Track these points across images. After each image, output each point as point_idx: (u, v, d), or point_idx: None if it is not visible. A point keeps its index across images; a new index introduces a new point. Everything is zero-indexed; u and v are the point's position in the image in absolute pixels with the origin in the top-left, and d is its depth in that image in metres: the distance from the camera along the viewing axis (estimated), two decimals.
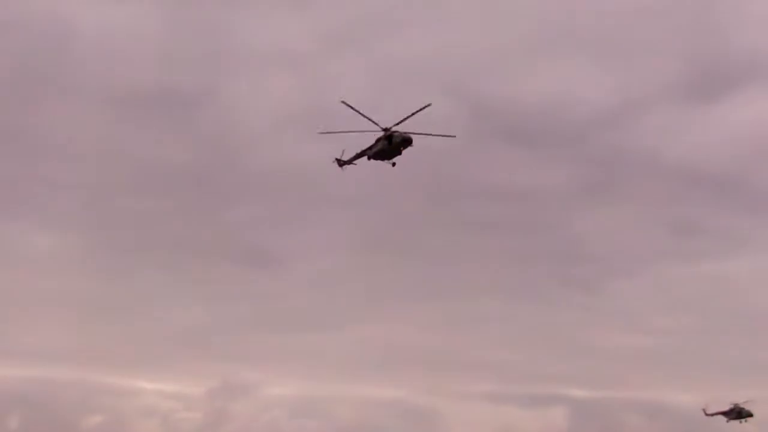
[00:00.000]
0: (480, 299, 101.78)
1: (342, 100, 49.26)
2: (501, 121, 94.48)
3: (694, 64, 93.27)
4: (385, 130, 51.05)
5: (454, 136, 52.52)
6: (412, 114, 49.33)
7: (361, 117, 50.46)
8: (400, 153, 52.04)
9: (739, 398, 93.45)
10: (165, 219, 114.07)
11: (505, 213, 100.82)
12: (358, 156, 55.72)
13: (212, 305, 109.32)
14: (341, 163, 57.77)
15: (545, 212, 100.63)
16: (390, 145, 51.58)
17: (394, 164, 53.26)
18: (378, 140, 52.37)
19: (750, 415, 71.55)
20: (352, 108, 49.29)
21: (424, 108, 49.06)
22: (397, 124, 50.91)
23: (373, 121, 50.28)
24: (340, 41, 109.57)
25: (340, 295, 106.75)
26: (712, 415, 73.72)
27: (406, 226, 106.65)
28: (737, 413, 71.88)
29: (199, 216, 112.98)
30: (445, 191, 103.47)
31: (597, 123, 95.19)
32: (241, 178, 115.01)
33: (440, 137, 51.89)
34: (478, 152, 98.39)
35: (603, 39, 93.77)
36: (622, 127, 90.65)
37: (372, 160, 54.65)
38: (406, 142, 51.27)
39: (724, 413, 73.11)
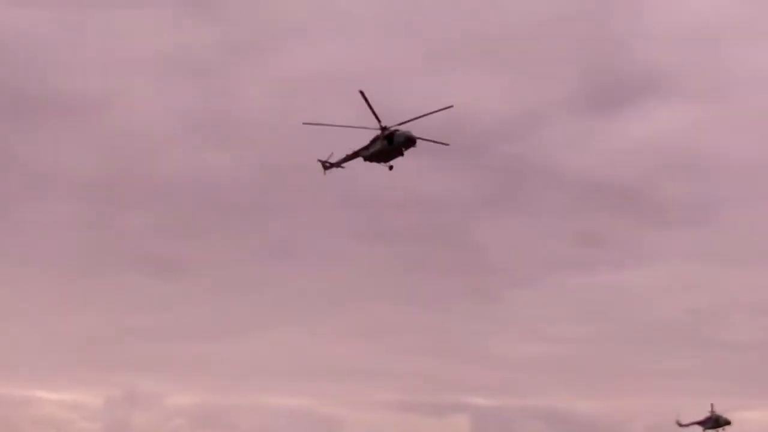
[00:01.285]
0: (383, 308, 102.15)
1: (360, 90, 45.47)
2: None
3: (594, 77, 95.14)
4: (384, 128, 46.86)
5: (448, 144, 50.10)
6: (429, 113, 46.00)
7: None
8: (401, 154, 47.81)
9: (636, 406, 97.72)
10: (63, 226, 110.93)
11: (408, 222, 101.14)
12: (350, 158, 51.36)
13: (112, 313, 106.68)
14: (327, 165, 53.06)
15: (448, 222, 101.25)
16: (390, 146, 47.41)
17: (391, 167, 48.90)
18: (375, 139, 48.43)
19: (728, 422, 69.67)
20: (366, 101, 45.69)
21: (445, 109, 45.70)
22: (400, 124, 46.90)
23: (377, 118, 46.75)
24: (245, 50, 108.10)
25: (243, 303, 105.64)
26: (687, 425, 71.81)
27: (310, 234, 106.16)
28: (714, 422, 69.96)
29: (99, 223, 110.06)
30: (349, 200, 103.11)
31: (499, 134, 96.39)
32: (143, 186, 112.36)
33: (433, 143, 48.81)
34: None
35: (504, 51, 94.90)
36: (524, 138, 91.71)
37: (368, 162, 50.70)
38: (409, 141, 47.07)
39: (700, 423, 71.01)
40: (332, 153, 52.55)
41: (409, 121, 46.21)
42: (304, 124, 48.14)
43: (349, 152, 51.30)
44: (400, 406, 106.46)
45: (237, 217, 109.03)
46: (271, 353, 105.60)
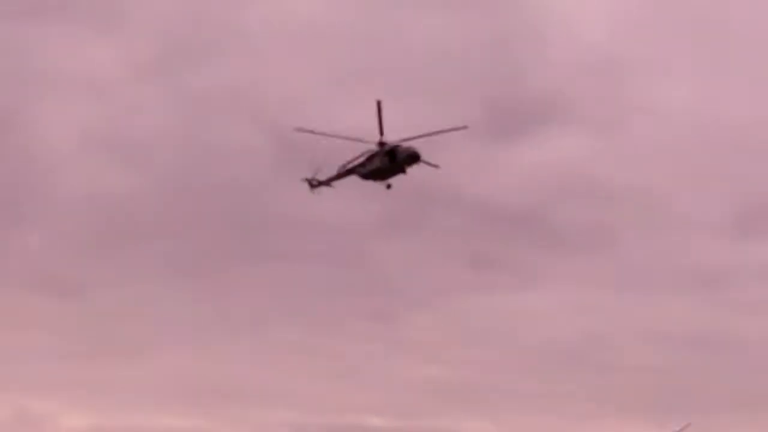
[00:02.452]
0: (282, 330, 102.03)
1: (378, 99, 42.91)
2: (306, 154, 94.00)
3: (494, 104, 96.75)
4: (381, 144, 44.60)
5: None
6: (442, 131, 43.14)
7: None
8: (404, 171, 45.47)
9: (534, 427, 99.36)
10: None
11: (307, 245, 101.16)
12: (342, 175, 47.82)
13: (4, 333, 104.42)
14: (314, 183, 49.38)
15: (346, 243, 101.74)
16: (392, 163, 44.80)
17: (389, 186, 46.77)
18: (373, 156, 45.58)
19: None
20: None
21: (459, 129, 43.17)
22: (405, 140, 44.23)
23: (381, 130, 43.41)
24: (149, 69, 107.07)
25: (140, 324, 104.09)
26: None
27: (211, 256, 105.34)
28: None
29: None
30: (251, 222, 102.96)
31: None
32: (41, 204, 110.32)
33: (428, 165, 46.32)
34: (284, 184, 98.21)
35: (408, 78, 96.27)
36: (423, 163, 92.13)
37: (366, 180, 47.63)
38: (413, 158, 44.64)
39: None
40: (319, 170, 49.34)
41: (411, 138, 43.94)
42: (296, 130, 45.40)
43: (341, 169, 48.00)
44: (296, 428, 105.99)
45: (136, 238, 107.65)
46: (167, 374, 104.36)
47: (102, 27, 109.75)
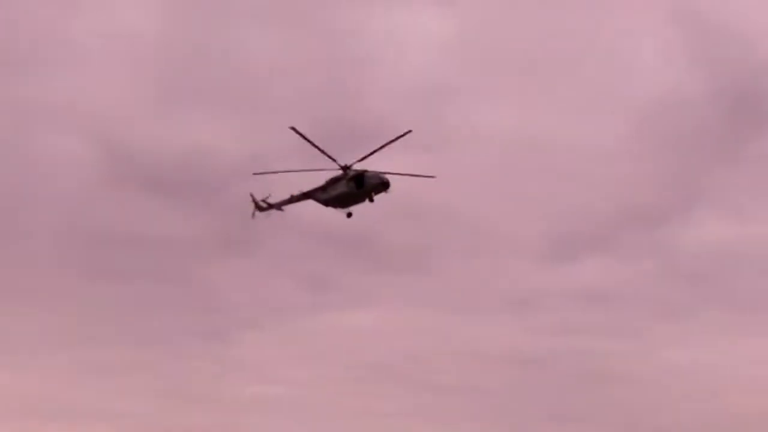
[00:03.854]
0: (109, 348, 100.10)
1: (291, 126, 39.81)
2: (140, 170, 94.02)
3: (324, 126, 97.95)
4: (344, 168, 41.77)
5: (434, 177, 44.99)
6: (390, 142, 40.54)
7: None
8: (371, 200, 42.68)
9: None
10: None
11: (137, 262, 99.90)
12: (297, 199, 44.20)
13: None
14: (263, 207, 45.27)
15: (180, 262, 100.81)
16: (359, 189, 41.98)
17: (350, 215, 43.86)
18: (336, 180, 42.99)
19: None
20: (302, 136, 39.94)
21: (404, 135, 40.62)
22: (360, 160, 41.58)
23: (329, 156, 40.13)
24: None
25: None
26: None
27: (35, 271, 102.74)
28: None
29: None
30: (79, 237, 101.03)
31: (234, 176, 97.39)
32: None
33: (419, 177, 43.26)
34: (115, 200, 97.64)
35: (239, 96, 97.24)
36: (258, 181, 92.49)
37: (327, 207, 44.31)
38: (383, 185, 41.89)
39: None
40: (270, 194, 46.55)
41: (360, 160, 41.49)
42: (254, 174, 43.08)
43: (295, 192, 44.84)
44: None
45: None
46: None
47: None
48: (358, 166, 42.23)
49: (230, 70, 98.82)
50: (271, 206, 46.95)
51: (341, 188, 43.35)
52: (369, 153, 41.41)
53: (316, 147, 41.44)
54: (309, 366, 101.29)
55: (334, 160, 41.60)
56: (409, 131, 41.17)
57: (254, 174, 44.42)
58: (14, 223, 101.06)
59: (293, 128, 40.68)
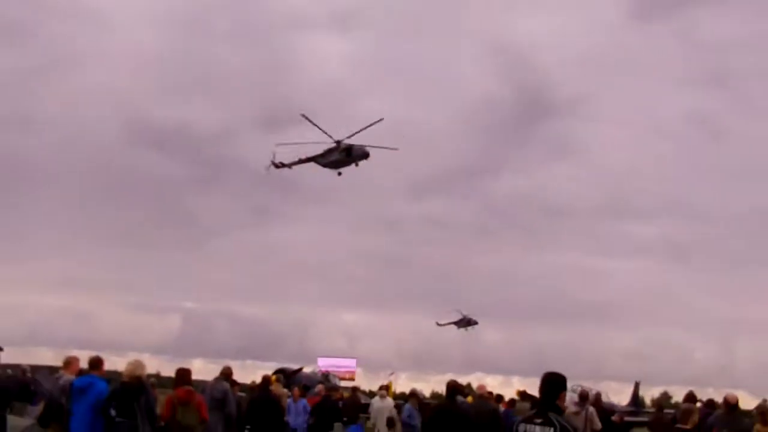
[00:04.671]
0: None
1: (302, 113, 52.37)
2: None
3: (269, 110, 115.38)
4: (338, 142, 53.24)
5: (397, 149, 56.68)
6: (365, 127, 52.01)
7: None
8: (357, 165, 54.56)
9: None
10: None
11: (143, 192, 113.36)
12: (302, 162, 56.65)
13: None
14: (278, 165, 57.30)
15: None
16: (348, 157, 53.82)
17: (340, 173, 55.62)
18: (331, 150, 54.39)
19: (476, 323, 78.46)
20: (310, 121, 52.01)
21: (376, 122, 51.65)
22: (350, 137, 53.23)
23: (327, 133, 53.21)
24: None
25: None
26: (444, 325, 79.28)
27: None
28: (467, 322, 78.39)
29: None
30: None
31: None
32: None
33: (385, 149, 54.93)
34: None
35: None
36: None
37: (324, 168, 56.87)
38: (365, 156, 53.89)
39: (455, 323, 78.86)
40: (275, 153, 56.66)
41: (349, 137, 53.02)
42: (277, 145, 55.67)
43: (302, 157, 56.06)
44: None
45: None
46: None
47: None
48: (346, 142, 54.33)
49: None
50: (284, 165, 57.09)
51: (335, 156, 54.43)
52: (353, 133, 52.99)
53: (319, 128, 52.86)
54: (255, 263, 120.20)
55: (330, 137, 53.51)
56: (381, 119, 52.46)
57: (277, 145, 56.69)
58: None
59: (303, 115, 52.39)
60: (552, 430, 6.07)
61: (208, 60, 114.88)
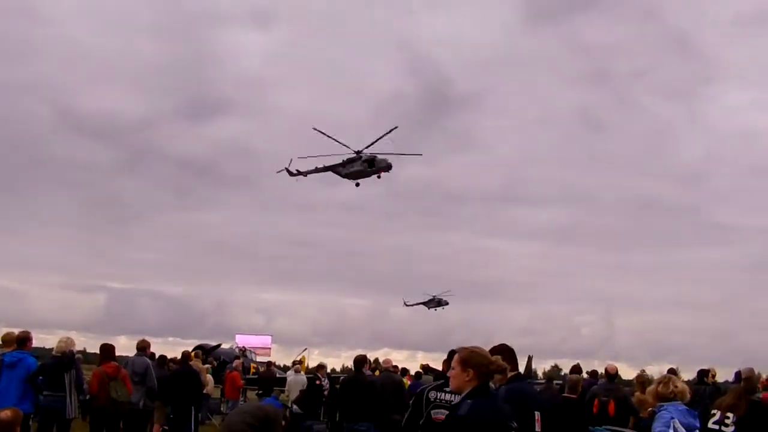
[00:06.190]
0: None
1: (314, 126, 50.39)
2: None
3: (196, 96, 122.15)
4: (358, 152, 51.85)
5: (421, 154, 58.04)
6: (381, 137, 50.80)
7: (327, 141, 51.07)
8: (379, 177, 53.72)
9: None
10: None
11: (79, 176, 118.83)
12: (320, 170, 54.66)
13: None
14: (293, 173, 55.30)
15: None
16: (370, 168, 52.52)
17: (357, 184, 54.66)
18: (352, 161, 53.07)
19: (447, 303, 76.63)
20: (323, 134, 50.11)
21: (391, 131, 50.22)
22: (368, 147, 51.95)
23: (345, 145, 51.68)
24: None
25: None
26: (412, 305, 77.09)
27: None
28: (437, 303, 76.54)
29: None
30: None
31: None
32: None
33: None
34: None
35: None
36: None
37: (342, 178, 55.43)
38: (388, 167, 52.76)
39: (424, 303, 76.46)
40: (291, 160, 54.41)
41: (368, 147, 51.63)
42: (314, 129, 51.24)
43: (319, 166, 54.07)
44: None
45: None
46: None
47: None
48: (367, 152, 52.79)
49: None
50: (300, 173, 54.74)
51: (358, 167, 52.98)
52: (370, 143, 51.49)
53: (334, 139, 51.14)
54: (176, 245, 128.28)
55: (348, 147, 51.99)
56: (396, 127, 50.61)
57: (299, 158, 53.61)
58: None
59: (315, 128, 50.29)
60: (459, 397, 6.48)
61: (132, 52, 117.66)
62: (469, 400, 5.35)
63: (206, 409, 22.76)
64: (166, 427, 16.83)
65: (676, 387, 7.70)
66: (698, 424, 7.56)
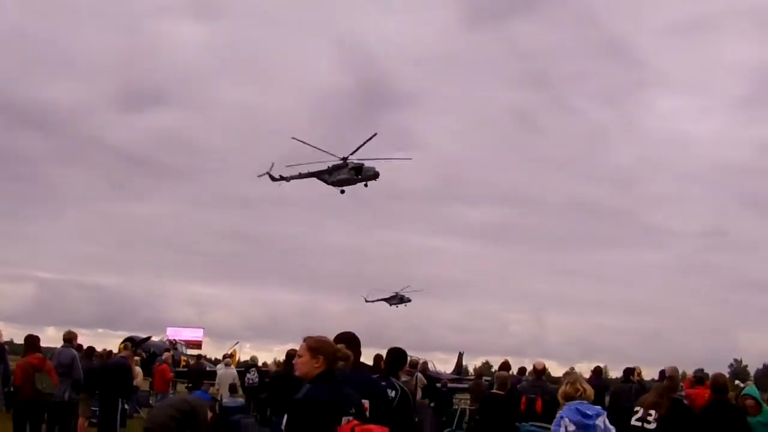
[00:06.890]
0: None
1: (293, 136, 49.64)
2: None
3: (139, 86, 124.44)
4: (343, 159, 50.89)
5: (410, 158, 57.90)
6: (364, 143, 49.88)
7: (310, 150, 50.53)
8: (366, 185, 52.24)
9: None
10: None
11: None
12: (303, 176, 53.60)
13: None
14: (275, 178, 54.03)
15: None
16: (357, 176, 51.48)
17: (343, 191, 53.10)
18: (339, 168, 51.89)
19: (409, 300, 74.20)
20: (304, 142, 49.41)
21: (372, 138, 49.44)
22: (352, 153, 50.93)
23: (329, 152, 50.87)
24: None
25: None
26: (374, 301, 74.30)
27: None
28: (399, 299, 73.95)
29: None
30: None
31: None
32: None
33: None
34: None
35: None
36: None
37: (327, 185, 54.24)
38: (375, 176, 51.73)
39: (386, 300, 73.85)
40: (273, 164, 53.15)
41: (352, 153, 50.71)
42: (292, 138, 50.07)
43: (303, 171, 52.82)
44: None
45: None
46: None
47: None
48: (353, 159, 52.05)
49: None
50: (282, 178, 53.56)
51: (344, 174, 52.05)
52: (355, 149, 50.61)
53: (317, 148, 50.34)
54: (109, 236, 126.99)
55: (333, 155, 51.11)
56: (376, 134, 50.13)
57: (287, 166, 52.58)
58: None
59: (295, 137, 49.48)
60: (394, 392, 6.90)
61: (70, 40, 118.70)
62: (310, 384, 5.50)
63: (135, 402, 22.51)
64: (93, 420, 16.61)
65: (582, 387, 7.97)
66: (590, 421, 7.72)
